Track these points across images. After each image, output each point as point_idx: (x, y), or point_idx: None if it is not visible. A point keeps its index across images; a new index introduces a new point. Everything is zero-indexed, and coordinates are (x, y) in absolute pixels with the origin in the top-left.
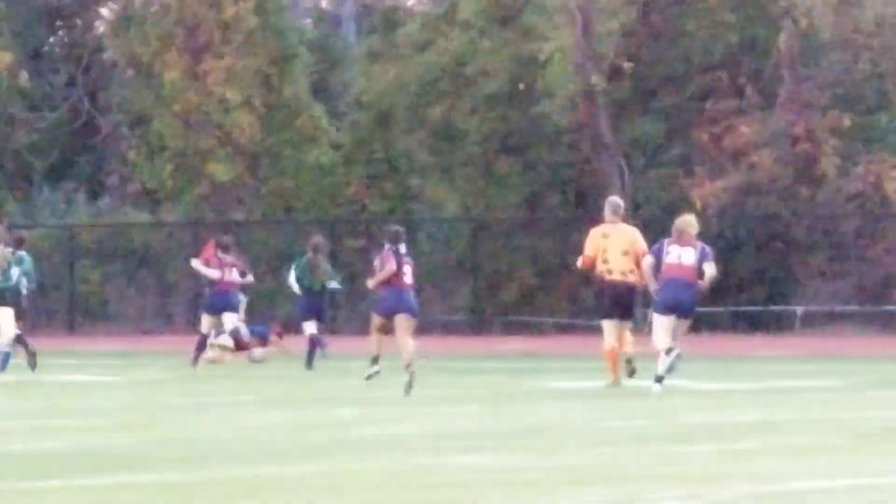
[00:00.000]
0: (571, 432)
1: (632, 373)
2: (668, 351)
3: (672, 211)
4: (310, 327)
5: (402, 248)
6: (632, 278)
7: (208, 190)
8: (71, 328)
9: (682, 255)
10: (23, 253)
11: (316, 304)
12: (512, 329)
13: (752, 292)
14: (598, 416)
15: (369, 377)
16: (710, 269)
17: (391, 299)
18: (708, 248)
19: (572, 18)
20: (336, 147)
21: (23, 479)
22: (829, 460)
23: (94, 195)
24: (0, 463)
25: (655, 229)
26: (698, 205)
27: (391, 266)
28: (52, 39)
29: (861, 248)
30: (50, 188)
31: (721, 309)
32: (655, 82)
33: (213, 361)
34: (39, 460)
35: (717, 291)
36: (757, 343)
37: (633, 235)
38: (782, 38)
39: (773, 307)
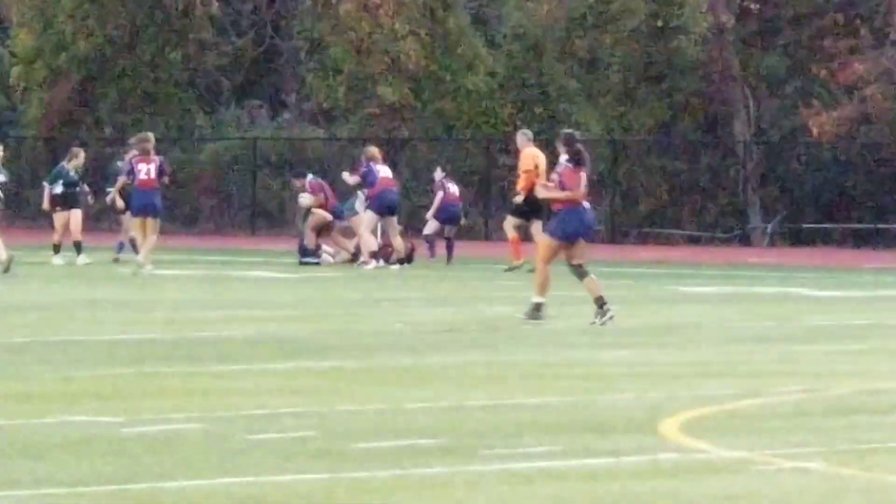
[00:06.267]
0: (702, 331)
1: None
2: None
3: (793, 137)
4: None
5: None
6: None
7: (377, 110)
8: (252, 231)
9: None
10: None
11: None
12: (646, 239)
13: (860, 212)
14: (726, 317)
15: None
16: None
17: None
18: None
19: None
20: (492, 74)
21: (214, 363)
22: None
23: (274, 112)
24: (194, 348)
25: (776, 151)
26: (815, 133)
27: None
28: None
29: None
30: (236, 105)
31: (833, 226)
32: (779, 22)
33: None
34: (228, 346)
35: (830, 210)
36: (865, 256)
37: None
38: None
39: (879, 225)
